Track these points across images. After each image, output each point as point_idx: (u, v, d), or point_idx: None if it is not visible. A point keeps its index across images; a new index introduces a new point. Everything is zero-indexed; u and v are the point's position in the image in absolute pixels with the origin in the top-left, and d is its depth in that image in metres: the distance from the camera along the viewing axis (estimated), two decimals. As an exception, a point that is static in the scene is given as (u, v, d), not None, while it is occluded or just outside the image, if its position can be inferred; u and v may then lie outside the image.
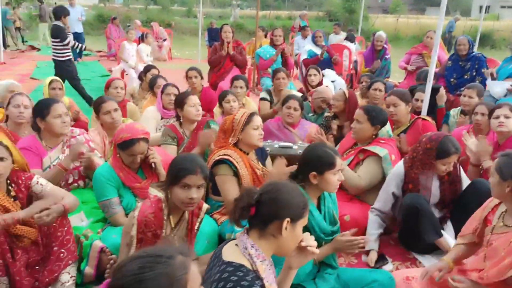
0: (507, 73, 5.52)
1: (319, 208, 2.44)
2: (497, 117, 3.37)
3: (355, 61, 8.79)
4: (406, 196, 2.94)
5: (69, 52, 6.81)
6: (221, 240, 2.90)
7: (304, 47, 8.02)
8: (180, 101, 3.71)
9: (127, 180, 2.80)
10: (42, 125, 3.13)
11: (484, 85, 5.96)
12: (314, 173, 2.31)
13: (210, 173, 3.04)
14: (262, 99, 5.32)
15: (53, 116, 3.10)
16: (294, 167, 2.70)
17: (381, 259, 2.95)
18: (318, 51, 7.10)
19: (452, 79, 6.13)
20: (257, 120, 3.04)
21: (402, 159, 3.07)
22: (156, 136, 3.98)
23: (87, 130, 3.91)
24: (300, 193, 1.77)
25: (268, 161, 3.33)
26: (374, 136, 3.34)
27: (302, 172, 2.37)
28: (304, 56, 7.20)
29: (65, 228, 2.44)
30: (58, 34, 6.66)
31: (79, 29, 11.82)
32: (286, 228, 1.66)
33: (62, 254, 2.41)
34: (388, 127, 3.36)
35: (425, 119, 3.92)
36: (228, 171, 2.93)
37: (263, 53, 6.79)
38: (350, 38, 10.00)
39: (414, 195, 2.92)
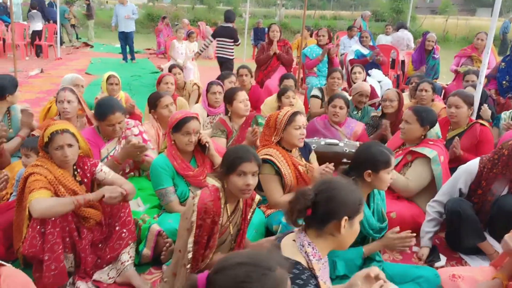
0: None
1: (368, 204, 2.50)
2: None
3: (402, 61, 8.70)
4: (449, 200, 2.96)
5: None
6: (268, 231, 3.02)
7: (350, 47, 8.02)
8: (229, 96, 3.88)
9: (181, 169, 2.97)
10: (99, 125, 3.35)
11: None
12: (369, 171, 2.37)
13: None
14: (313, 96, 5.39)
15: (107, 124, 3.27)
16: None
17: (433, 255, 2.98)
18: (365, 51, 7.10)
19: (504, 82, 5.96)
20: (300, 120, 3.10)
21: (479, 158, 3.00)
22: (206, 133, 4.14)
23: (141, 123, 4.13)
24: (355, 188, 1.77)
25: (312, 155, 3.41)
26: (422, 137, 3.34)
27: (356, 169, 2.42)
28: (351, 56, 7.22)
29: (126, 210, 2.64)
30: (233, 35, 7.40)
31: (130, 27, 11.56)
32: (344, 227, 1.68)
33: (123, 234, 2.61)
34: (437, 128, 3.35)
35: (483, 125, 3.84)
36: (270, 171, 3.04)
37: (309, 53, 6.85)
38: (404, 26, 9.73)
39: (457, 199, 2.94)
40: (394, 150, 3.49)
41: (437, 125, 3.36)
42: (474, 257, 2.99)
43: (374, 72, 6.80)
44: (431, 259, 2.96)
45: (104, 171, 2.76)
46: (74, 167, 2.69)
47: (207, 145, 3.02)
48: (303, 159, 3.27)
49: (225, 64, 7.38)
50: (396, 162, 3.33)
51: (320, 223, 1.70)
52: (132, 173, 3.49)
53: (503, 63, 6.05)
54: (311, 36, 11.22)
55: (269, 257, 1.24)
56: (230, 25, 7.51)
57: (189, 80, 6.07)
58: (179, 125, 2.94)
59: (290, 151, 3.18)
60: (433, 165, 3.19)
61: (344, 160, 3.83)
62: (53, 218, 2.36)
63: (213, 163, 3.08)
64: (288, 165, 3.08)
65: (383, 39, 10.50)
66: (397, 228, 2.44)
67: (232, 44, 7.41)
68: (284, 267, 1.23)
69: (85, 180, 2.71)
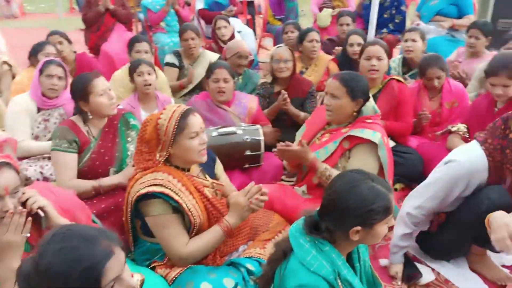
0: (433, 12, 5.04)
1: (352, 266, 1.60)
2: (495, 86, 2.68)
3: (250, 2, 7.79)
4: (491, 189, 2.03)
5: None
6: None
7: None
8: (81, 90, 2.45)
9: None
10: None
11: (403, 25, 5.52)
12: (358, 228, 1.45)
13: (135, 208, 1.98)
14: (167, 64, 4.18)
15: None
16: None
17: (409, 269, 2.25)
18: (215, -4, 5.97)
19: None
20: (195, 123, 1.97)
21: (477, 143, 2.09)
22: (39, 146, 2.73)
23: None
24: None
25: (218, 165, 2.34)
26: (355, 114, 2.50)
27: (335, 222, 1.49)
28: (200, 5, 5.99)
29: None
30: None
31: None
32: None
33: None
34: (372, 101, 2.53)
35: (399, 81, 3.19)
36: (165, 209, 1.90)
37: (151, 4, 5.46)
38: None
39: (499, 189, 2.04)
40: (318, 133, 2.62)
41: (371, 97, 2.54)
42: (446, 264, 2.33)
43: (233, 21, 5.77)
44: (409, 275, 2.24)
45: None
46: None
47: (42, 214, 1.66)
48: (207, 175, 2.17)
49: None
50: (328, 153, 2.45)
51: None
52: None
53: (367, -1, 5.58)
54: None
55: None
56: None
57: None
58: None
59: (188, 170, 2.06)
60: (380, 151, 2.38)
61: (248, 153, 2.87)
62: None
63: None
64: (191, 192, 1.97)
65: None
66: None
67: None
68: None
69: None
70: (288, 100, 3.27)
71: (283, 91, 3.30)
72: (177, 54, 4.22)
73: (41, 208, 1.63)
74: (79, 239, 1.12)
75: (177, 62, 4.18)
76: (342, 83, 2.41)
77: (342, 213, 1.45)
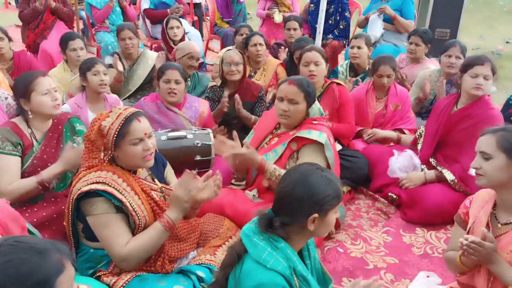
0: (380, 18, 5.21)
1: (304, 261, 1.61)
2: (475, 76, 2.79)
3: (196, 4, 7.72)
4: None
5: None
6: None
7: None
8: (24, 87, 2.32)
9: None
10: None
11: (348, 31, 5.68)
12: (315, 215, 1.48)
13: (76, 208, 1.90)
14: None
15: None
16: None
17: None
18: (163, -4, 5.85)
19: (316, 25, 5.64)
20: (137, 129, 1.89)
21: None
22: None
23: None
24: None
25: (169, 169, 2.29)
26: (306, 116, 2.54)
27: (293, 215, 1.50)
28: (145, 5, 5.84)
29: None
30: None
31: None
32: None
33: None
34: (318, 103, 2.60)
35: (340, 84, 3.28)
36: (107, 208, 1.83)
37: (95, 1, 5.28)
38: None
39: None
40: (266, 138, 2.63)
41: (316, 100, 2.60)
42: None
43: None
44: None
45: None
46: None
47: None
48: (155, 180, 2.11)
49: None
50: (277, 155, 2.47)
51: None
52: None
53: (312, 5, 5.67)
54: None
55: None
56: None
57: None
58: None
59: (135, 172, 2.00)
60: (327, 152, 2.44)
61: (198, 158, 2.83)
62: None
63: None
64: (136, 193, 1.91)
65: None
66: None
67: None
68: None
69: None
70: (240, 103, 3.27)
71: (226, 95, 3.29)
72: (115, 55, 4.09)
73: None
74: (29, 251, 1.04)
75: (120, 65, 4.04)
76: (300, 88, 2.44)
77: (298, 203, 1.48)
